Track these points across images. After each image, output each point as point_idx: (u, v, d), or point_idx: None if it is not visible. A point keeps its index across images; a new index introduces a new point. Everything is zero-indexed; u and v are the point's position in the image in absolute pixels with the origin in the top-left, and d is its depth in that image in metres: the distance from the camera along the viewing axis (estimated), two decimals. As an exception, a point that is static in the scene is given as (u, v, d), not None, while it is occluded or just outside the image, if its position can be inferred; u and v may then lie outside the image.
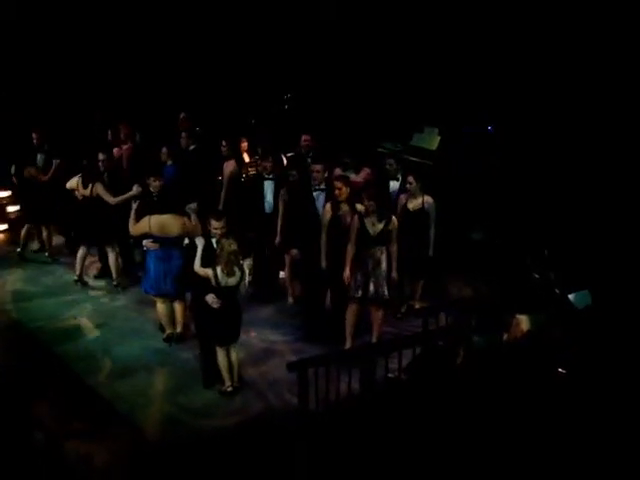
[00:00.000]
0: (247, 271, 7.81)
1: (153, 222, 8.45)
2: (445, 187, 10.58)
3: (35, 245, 11.53)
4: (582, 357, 6.70)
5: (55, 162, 10.90)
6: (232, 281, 7.57)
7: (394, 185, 9.62)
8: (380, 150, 11.77)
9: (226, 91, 14.05)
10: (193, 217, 8.49)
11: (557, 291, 7.65)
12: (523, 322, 7.23)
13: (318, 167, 9.13)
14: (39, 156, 10.93)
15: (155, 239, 8.53)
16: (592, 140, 9.91)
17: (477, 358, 7.37)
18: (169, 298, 8.80)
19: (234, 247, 7.50)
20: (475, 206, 10.68)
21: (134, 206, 8.74)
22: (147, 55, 14.45)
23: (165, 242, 8.50)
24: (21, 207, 11.59)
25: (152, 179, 8.90)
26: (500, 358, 7.15)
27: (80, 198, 9.88)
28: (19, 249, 11.19)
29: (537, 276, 8.01)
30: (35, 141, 10.96)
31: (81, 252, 10.23)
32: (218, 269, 7.50)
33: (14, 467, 6.73)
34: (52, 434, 7.24)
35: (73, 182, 9.90)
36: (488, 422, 6.39)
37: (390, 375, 7.68)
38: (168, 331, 8.92)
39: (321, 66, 13.69)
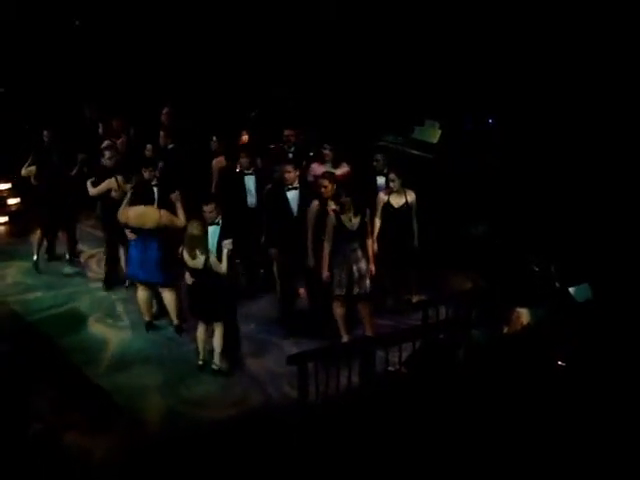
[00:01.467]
0: (217, 256, 7.88)
1: (131, 213, 8.62)
2: (445, 181, 10.57)
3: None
4: (582, 350, 6.69)
5: (81, 156, 10.62)
6: (196, 263, 7.81)
7: (381, 181, 9.56)
8: (381, 143, 11.72)
9: (223, 84, 13.99)
10: (178, 205, 8.59)
11: (557, 284, 7.64)
12: (523, 315, 7.22)
13: (289, 167, 8.94)
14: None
15: (133, 229, 8.64)
16: (593, 134, 9.89)
17: (477, 351, 7.37)
18: (150, 285, 8.86)
19: (196, 232, 7.77)
20: (475, 200, 10.65)
21: (127, 197, 8.79)
22: (143, 50, 14.41)
23: (142, 233, 8.61)
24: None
25: (144, 170, 8.94)
26: (500, 352, 7.14)
27: (118, 197, 9.38)
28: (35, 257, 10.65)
29: (537, 269, 7.99)
30: (46, 139, 10.70)
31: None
32: (184, 250, 7.82)
33: (12, 458, 6.73)
34: (51, 426, 7.23)
35: (109, 183, 9.58)
36: (488, 415, 6.39)
37: (390, 368, 7.68)
38: (146, 319, 8.99)
39: (322, 59, 13.66)
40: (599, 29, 9.92)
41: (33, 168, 10.38)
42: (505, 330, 7.32)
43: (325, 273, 8.39)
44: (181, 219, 8.48)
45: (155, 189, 8.91)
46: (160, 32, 14.39)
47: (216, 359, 8.10)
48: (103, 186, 9.56)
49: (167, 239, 8.59)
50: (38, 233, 10.59)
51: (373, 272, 8.54)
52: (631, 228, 8.61)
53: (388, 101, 12.39)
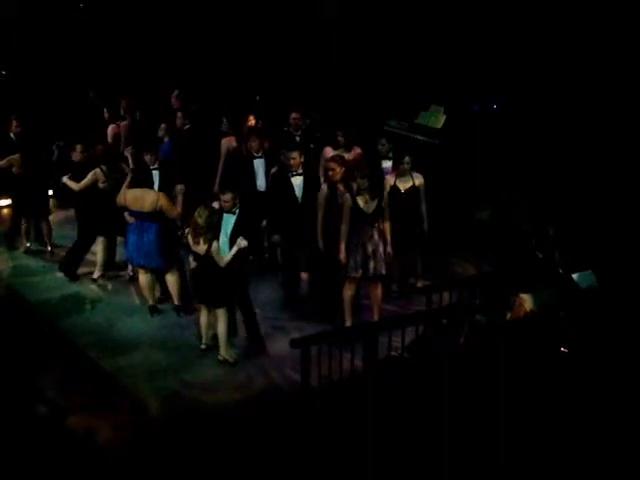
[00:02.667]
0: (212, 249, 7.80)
1: (129, 196, 8.61)
2: (450, 166, 10.55)
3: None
4: (585, 336, 6.69)
5: (57, 143, 10.74)
6: (198, 249, 7.80)
7: (386, 164, 9.58)
8: (385, 128, 11.69)
9: (231, 67, 13.97)
10: (179, 199, 8.61)
11: (561, 271, 7.63)
12: (526, 301, 7.21)
13: (294, 154, 8.88)
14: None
15: (130, 212, 8.63)
16: (599, 119, 9.85)
17: (480, 337, 7.38)
18: (150, 269, 8.85)
19: (201, 220, 7.72)
20: (480, 185, 10.65)
21: (127, 179, 8.81)
22: (149, 32, 14.37)
23: (139, 216, 8.59)
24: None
25: (145, 154, 8.99)
26: (503, 337, 7.14)
27: (108, 187, 9.37)
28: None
29: (541, 255, 7.99)
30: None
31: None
32: (189, 234, 7.86)
33: (17, 440, 6.77)
34: (55, 408, 7.27)
35: (94, 175, 9.45)
36: (490, 401, 6.40)
37: (393, 353, 7.69)
38: (150, 303, 8.99)
39: (327, 44, 13.63)
40: (610, 17, 9.87)
41: (16, 157, 10.23)
42: (508, 316, 7.32)
43: (342, 254, 8.37)
44: (178, 211, 8.57)
45: (156, 173, 8.93)
46: (166, 14, 14.34)
47: (221, 350, 8.06)
48: (88, 179, 9.41)
49: (165, 222, 8.59)
50: (23, 221, 10.64)
51: (391, 255, 8.53)
52: (635, 215, 8.59)
53: (392, 86, 12.35)
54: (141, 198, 8.54)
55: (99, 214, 9.48)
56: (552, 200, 9.50)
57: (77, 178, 9.50)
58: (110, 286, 9.76)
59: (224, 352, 8.06)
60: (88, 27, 14.45)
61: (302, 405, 7.15)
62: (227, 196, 7.97)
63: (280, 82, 13.61)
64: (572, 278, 7.31)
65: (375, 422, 6.59)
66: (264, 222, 9.29)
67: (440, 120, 11.77)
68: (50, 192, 10.79)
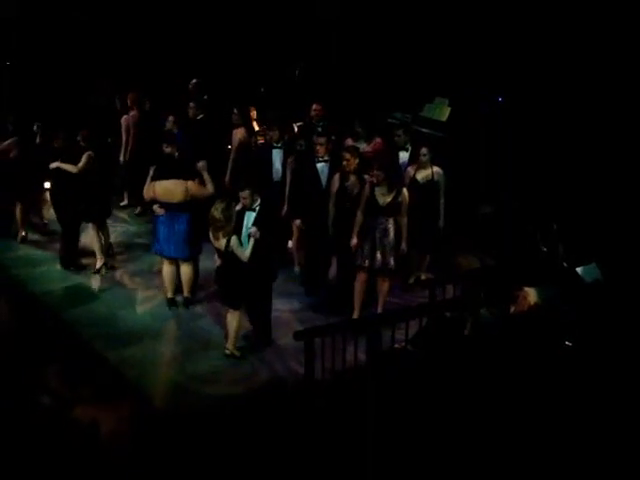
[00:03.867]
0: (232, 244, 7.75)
1: (157, 188, 8.60)
2: (455, 159, 10.53)
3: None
4: (589, 330, 6.69)
5: (37, 124, 10.71)
6: (219, 244, 7.79)
7: (403, 156, 9.59)
8: (390, 120, 11.67)
9: (236, 59, 13.95)
10: (205, 175, 8.56)
11: (565, 264, 7.62)
12: (530, 295, 7.20)
13: (321, 140, 9.03)
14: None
15: (160, 204, 8.63)
16: (603, 113, 9.83)
17: (484, 330, 7.37)
18: (175, 260, 8.85)
19: (217, 214, 7.72)
20: (484, 179, 10.63)
21: (150, 172, 8.79)
22: (157, 23, 14.35)
23: (169, 207, 8.60)
24: None
25: (165, 146, 8.90)
26: (507, 331, 7.14)
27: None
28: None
29: (545, 249, 7.98)
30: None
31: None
32: (210, 230, 7.85)
33: (21, 431, 6.79)
34: (59, 399, 7.30)
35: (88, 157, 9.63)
36: (494, 395, 6.40)
37: (396, 346, 7.70)
38: (169, 295, 8.99)
39: (333, 36, 13.63)
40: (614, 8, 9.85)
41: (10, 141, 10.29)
42: (512, 309, 7.32)
43: (353, 241, 8.40)
44: (209, 188, 8.53)
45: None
46: (176, 6, 14.33)
47: (229, 344, 8.05)
48: (84, 162, 9.52)
49: (195, 212, 8.58)
50: (19, 208, 10.60)
51: (404, 251, 8.54)
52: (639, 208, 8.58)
53: (397, 78, 12.33)
54: (172, 189, 8.54)
55: (87, 200, 9.59)
56: (556, 194, 9.49)
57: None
58: (114, 278, 9.75)
59: (232, 347, 8.05)
60: (99, 18, 14.39)
61: (305, 398, 7.17)
62: (245, 193, 7.85)
63: (283, 75, 13.62)
64: (576, 272, 7.30)
65: (377, 415, 6.60)
66: (284, 209, 9.37)
67: (445, 113, 11.75)
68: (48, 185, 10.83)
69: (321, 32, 13.72)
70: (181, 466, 6.50)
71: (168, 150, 8.90)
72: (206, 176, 8.58)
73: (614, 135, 9.61)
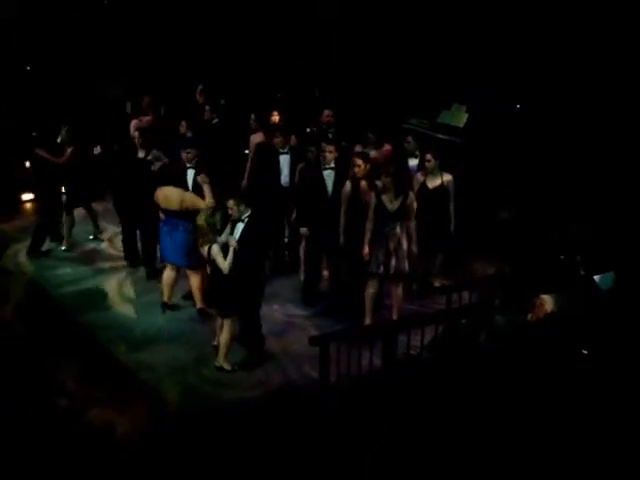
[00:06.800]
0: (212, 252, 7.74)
1: (159, 194, 8.66)
2: (472, 165, 10.51)
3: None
4: (606, 339, 6.64)
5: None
6: (204, 252, 7.82)
7: (413, 162, 9.58)
8: (406, 126, 11.65)
9: (254, 63, 13.99)
10: (206, 188, 8.43)
11: (582, 272, 7.58)
12: (547, 303, 7.17)
13: (331, 147, 8.96)
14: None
15: (162, 210, 8.72)
16: (625, 119, 9.78)
17: (500, 338, 7.34)
18: (177, 267, 8.89)
19: (200, 220, 7.88)
20: (502, 185, 10.59)
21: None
22: (173, 26, 14.41)
23: (168, 214, 8.67)
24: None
25: (186, 151, 8.84)
26: (523, 338, 7.11)
27: None
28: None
29: (562, 256, 7.94)
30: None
31: None
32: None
33: (36, 433, 6.83)
34: (75, 401, 7.33)
35: None
36: (510, 402, 6.37)
37: (412, 352, 7.68)
38: (164, 299, 9.00)
39: (333, 36, 13.66)
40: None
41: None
42: (528, 317, 7.28)
43: (365, 250, 8.39)
44: (207, 201, 8.32)
45: (192, 171, 8.80)
46: (189, 10, 14.38)
47: (219, 358, 7.99)
48: (69, 155, 10.00)
49: (194, 222, 8.47)
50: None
51: (414, 255, 8.52)
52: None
53: (414, 83, 12.32)
54: (168, 196, 8.59)
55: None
56: (574, 201, 9.44)
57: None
58: (130, 281, 9.78)
59: (222, 360, 7.98)
60: (112, 21, 14.47)
61: (320, 403, 7.16)
62: (230, 203, 7.73)
63: (298, 81, 13.65)
64: (594, 279, 7.26)
65: (393, 421, 6.59)
66: (293, 215, 9.37)
67: (462, 119, 11.71)
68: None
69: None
70: (195, 468, 6.51)
71: (184, 156, 8.82)
72: (206, 189, 8.43)
73: (634, 142, 9.55)
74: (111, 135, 10.89)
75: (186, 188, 8.70)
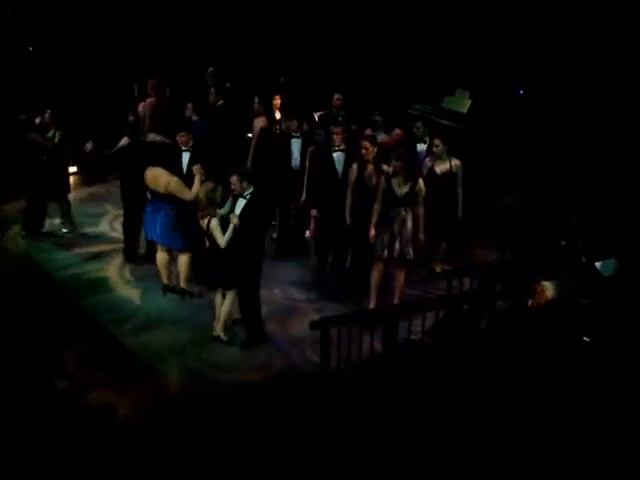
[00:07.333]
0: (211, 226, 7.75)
1: (148, 173, 8.62)
2: (475, 151, 10.49)
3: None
4: (607, 326, 6.65)
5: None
6: (203, 225, 7.80)
7: (422, 148, 9.59)
8: (410, 112, 11.63)
9: (257, 47, 13.95)
10: (197, 179, 8.35)
11: (584, 258, 7.58)
12: (548, 289, 7.16)
13: (338, 129, 9.03)
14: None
15: (149, 191, 8.70)
16: (626, 106, 9.75)
17: (500, 324, 7.35)
18: (168, 248, 8.88)
19: (201, 194, 7.87)
20: (504, 171, 10.57)
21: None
22: (177, 11, 14.37)
23: (154, 195, 8.64)
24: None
25: (180, 134, 8.88)
26: (524, 325, 7.11)
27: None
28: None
29: (563, 243, 7.93)
30: None
31: None
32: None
33: (37, 414, 6.86)
34: (76, 383, 7.36)
35: None
36: (510, 389, 6.38)
37: (413, 337, 7.70)
38: (164, 281, 9.01)
39: (333, 36, 13.64)
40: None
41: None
42: (529, 303, 7.29)
43: (371, 232, 8.41)
44: (192, 193, 8.27)
45: (187, 154, 8.87)
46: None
47: (217, 327, 8.09)
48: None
49: (180, 205, 8.48)
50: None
51: (422, 241, 8.52)
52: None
53: (418, 69, 12.28)
54: (157, 178, 8.54)
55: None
56: (576, 187, 9.43)
57: None
58: (132, 265, 9.79)
59: (219, 329, 8.08)
60: (117, 5, 14.42)
61: (320, 388, 7.18)
62: (233, 178, 7.77)
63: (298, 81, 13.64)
64: (595, 266, 7.26)
65: (394, 406, 6.61)
66: (303, 197, 9.39)
67: (465, 104, 11.69)
68: (74, 169, 10.87)
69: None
70: (195, 451, 6.54)
71: (180, 139, 8.88)
72: (196, 181, 8.34)
73: (637, 130, 9.53)
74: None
75: (180, 171, 8.72)
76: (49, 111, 10.07)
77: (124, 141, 9.46)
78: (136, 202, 9.36)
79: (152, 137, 9.69)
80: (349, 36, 13.41)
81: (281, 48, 13.81)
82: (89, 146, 10.16)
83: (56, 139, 10.05)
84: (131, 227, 9.79)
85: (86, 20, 14.20)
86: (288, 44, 13.81)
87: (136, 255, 9.88)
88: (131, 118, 9.51)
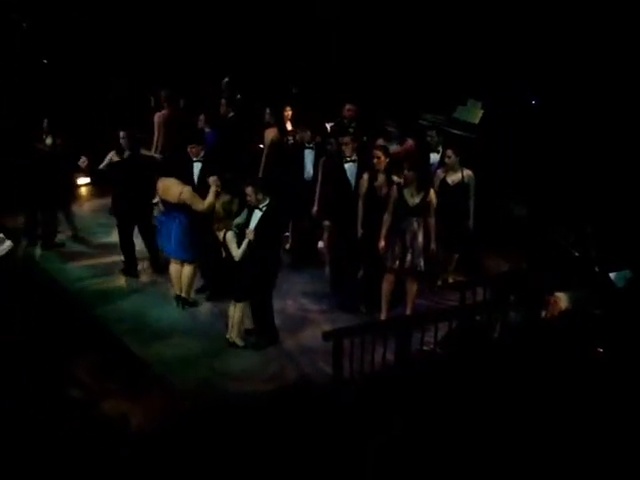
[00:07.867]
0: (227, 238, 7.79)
1: (160, 184, 8.68)
2: (487, 161, 10.48)
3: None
4: (621, 337, 6.62)
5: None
6: (219, 236, 7.83)
7: (434, 158, 9.57)
8: (421, 122, 11.63)
9: (268, 59, 14.00)
10: (212, 191, 8.33)
11: (597, 269, 7.55)
12: (562, 300, 7.15)
13: (346, 139, 9.05)
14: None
15: (162, 201, 8.74)
16: (638, 116, 9.73)
17: (513, 335, 7.33)
18: (179, 260, 8.85)
19: (218, 205, 7.99)
20: (517, 181, 10.56)
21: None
22: (190, 21, 14.44)
23: (167, 205, 8.67)
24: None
25: (190, 146, 8.89)
26: (537, 336, 7.09)
27: None
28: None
29: (577, 253, 7.91)
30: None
31: None
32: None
33: (50, 423, 6.86)
34: (89, 392, 7.37)
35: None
36: (523, 399, 6.36)
37: (425, 348, 7.68)
38: (176, 292, 9.01)
39: (333, 36, 13.66)
40: None
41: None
42: (543, 314, 7.27)
43: (381, 243, 8.39)
44: (205, 204, 8.28)
45: (198, 164, 8.87)
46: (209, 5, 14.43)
47: (232, 332, 8.13)
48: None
49: (192, 215, 8.50)
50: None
51: (434, 252, 8.48)
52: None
53: (430, 79, 12.29)
54: (169, 188, 8.57)
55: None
56: (590, 198, 9.40)
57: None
58: (144, 275, 9.79)
59: (235, 335, 8.12)
60: (132, 16, 14.51)
61: (333, 398, 7.16)
62: (248, 189, 7.80)
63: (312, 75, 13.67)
64: (609, 276, 7.23)
65: (406, 417, 6.59)
66: (314, 209, 9.39)
67: (477, 115, 11.69)
68: (88, 180, 10.88)
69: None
70: (207, 461, 6.53)
71: (191, 150, 8.88)
72: (211, 193, 8.33)
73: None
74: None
75: (192, 181, 8.73)
76: (46, 120, 10.06)
77: (111, 155, 9.48)
78: (127, 217, 9.45)
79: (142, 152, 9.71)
80: (349, 36, 13.44)
81: (281, 48, 13.82)
82: (83, 162, 10.07)
83: (55, 146, 10.00)
84: (126, 242, 9.70)
85: (86, 20, 14.28)
86: (288, 44, 13.83)
87: (136, 269, 9.80)
88: (122, 133, 9.40)
